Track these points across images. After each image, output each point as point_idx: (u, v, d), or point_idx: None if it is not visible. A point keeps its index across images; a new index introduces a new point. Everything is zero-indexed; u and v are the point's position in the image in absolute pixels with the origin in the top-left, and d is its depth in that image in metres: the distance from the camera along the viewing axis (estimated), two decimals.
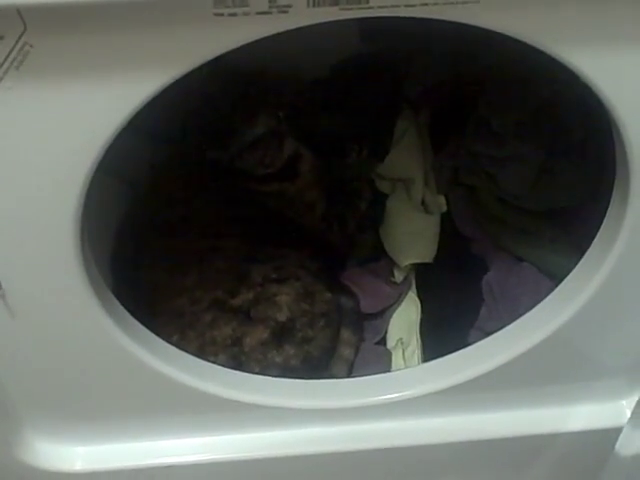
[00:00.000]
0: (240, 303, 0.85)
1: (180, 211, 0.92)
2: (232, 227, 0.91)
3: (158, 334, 0.76)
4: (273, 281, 0.87)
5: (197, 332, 0.83)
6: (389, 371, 0.91)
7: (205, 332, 0.83)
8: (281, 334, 0.85)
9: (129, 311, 0.73)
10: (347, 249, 1.02)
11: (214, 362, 0.81)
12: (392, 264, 1.00)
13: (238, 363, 0.83)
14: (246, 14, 0.51)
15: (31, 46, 0.50)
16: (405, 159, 1.04)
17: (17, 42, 0.50)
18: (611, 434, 0.82)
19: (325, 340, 0.88)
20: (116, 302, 0.71)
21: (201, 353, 0.82)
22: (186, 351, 0.79)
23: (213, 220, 0.92)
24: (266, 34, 0.52)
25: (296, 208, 0.97)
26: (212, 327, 0.84)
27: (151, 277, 0.88)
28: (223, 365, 0.82)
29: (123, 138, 0.57)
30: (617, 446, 0.82)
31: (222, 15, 0.51)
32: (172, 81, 0.53)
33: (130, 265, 0.90)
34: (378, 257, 1.02)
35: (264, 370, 0.84)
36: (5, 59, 0.51)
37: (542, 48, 0.56)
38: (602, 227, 0.71)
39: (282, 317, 0.85)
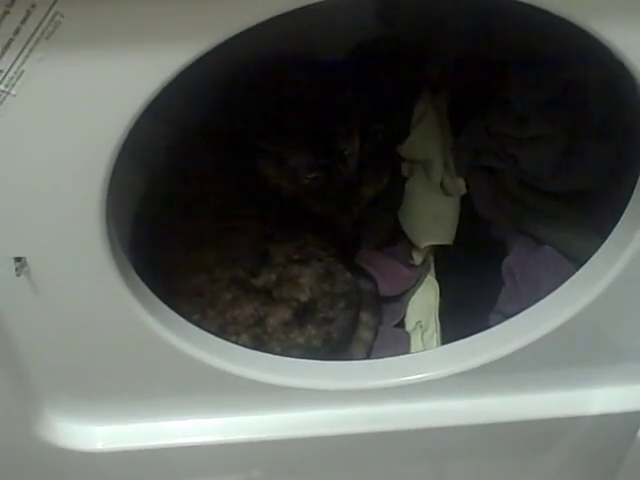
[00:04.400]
0: (262, 283, 0.85)
1: (197, 192, 0.92)
2: (250, 209, 0.91)
3: (178, 314, 0.77)
4: (295, 262, 0.87)
5: (217, 311, 0.83)
6: (408, 353, 0.90)
7: (226, 311, 0.83)
8: (303, 314, 0.85)
9: None
10: (357, 231, 1.01)
11: (235, 342, 0.82)
12: (410, 246, 1.00)
13: (260, 343, 0.83)
14: None
15: (62, 16, 0.50)
16: (424, 141, 1.04)
17: (49, 11, 0.50)
18: (632, 418, 0.81)
19: (345, 322, 0.88)
20: (139, 280, 0.71)
21: (222, 333, 0.82)
22: (207, 331, 0.79)
23: (231, 201, 0.91)
24: (300, 5, 0.52)
25: (310, 202, 0.95)
26: (233, 306, 0.84)
27: (169, 257, 0.88)
28: (245, 345, 0.82)
29: (139, 120, 0.56)
30: (639, 431, 0.81)
31: None
32: (206, 51, 0.52)
33: (149, 246, 0.90)
34: (396, 240, 1.01)
35: (285, 350, 0.84)
36: (36, 29, 0.51)
37: (572, 20, 0.54)
38: (626, 210, 0.71)
39: (304, 297, 0.85)
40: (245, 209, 0.91)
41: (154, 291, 0.74)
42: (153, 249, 0.89)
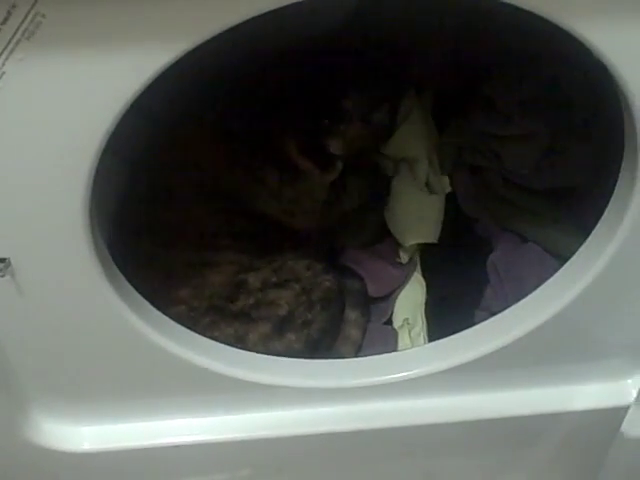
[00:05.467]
0: (241, 307, 0.85)
1: (177, 218, 0.89)
2: (226, 240, 0.89)
3: None
4: (273, 286, 0.87)
5: (198, 331, 0.82)
6: (396, 350, 0.91)
7: (206, 332, 0.83)
8: (281, 325, 0.86)
9: None
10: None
11: None
12: (397, 245, 1.00)
13: None
14: None
15: (43, 16, 0.50)
16: (409, 139, 1.04)
17: (29, 12, 0.50)
18: (616, 414, 0.82)
19: (324, 322, 0.88)
20: (123, 279, 0.70)
21: None
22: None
23: (208, 232, 0.89)
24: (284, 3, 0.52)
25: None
26: (212, 328, 0.84)
27: (146, 284, 0.86)
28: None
29: (122, 118, 0.56)
30: (623, 427, 0.82)
31: None
32: (187, 51, 0.52)
33: (130, 247, 0.88)
34: (382, 239, 1.02)
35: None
36: (17, 29, 0.50)
37: (554, 21, 0.55)
38: (609, 207, 0.71)
39: (283, 312, 0.86)
40: (221, 240, 0.89)
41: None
42: (134, 252, 0.88)
